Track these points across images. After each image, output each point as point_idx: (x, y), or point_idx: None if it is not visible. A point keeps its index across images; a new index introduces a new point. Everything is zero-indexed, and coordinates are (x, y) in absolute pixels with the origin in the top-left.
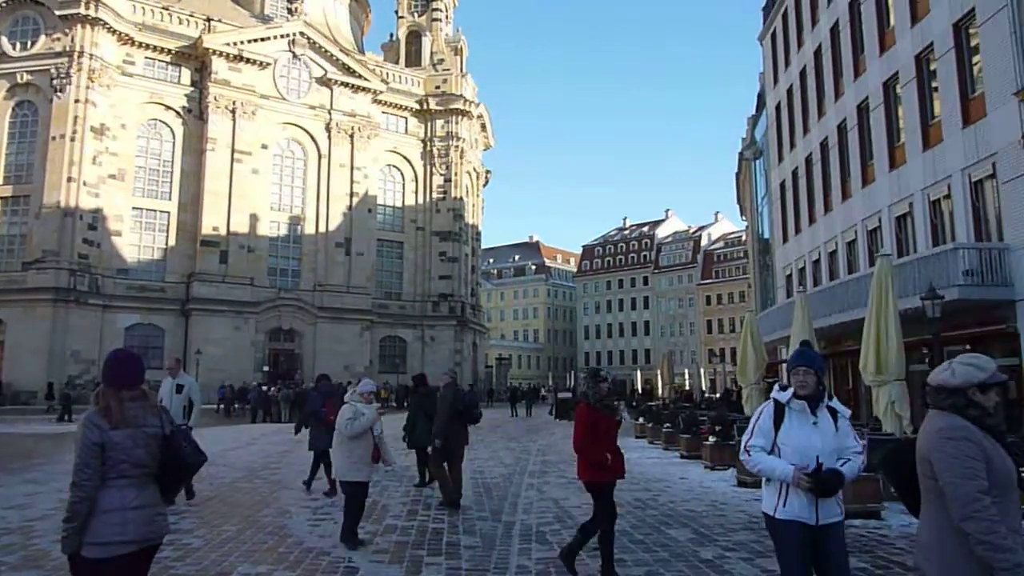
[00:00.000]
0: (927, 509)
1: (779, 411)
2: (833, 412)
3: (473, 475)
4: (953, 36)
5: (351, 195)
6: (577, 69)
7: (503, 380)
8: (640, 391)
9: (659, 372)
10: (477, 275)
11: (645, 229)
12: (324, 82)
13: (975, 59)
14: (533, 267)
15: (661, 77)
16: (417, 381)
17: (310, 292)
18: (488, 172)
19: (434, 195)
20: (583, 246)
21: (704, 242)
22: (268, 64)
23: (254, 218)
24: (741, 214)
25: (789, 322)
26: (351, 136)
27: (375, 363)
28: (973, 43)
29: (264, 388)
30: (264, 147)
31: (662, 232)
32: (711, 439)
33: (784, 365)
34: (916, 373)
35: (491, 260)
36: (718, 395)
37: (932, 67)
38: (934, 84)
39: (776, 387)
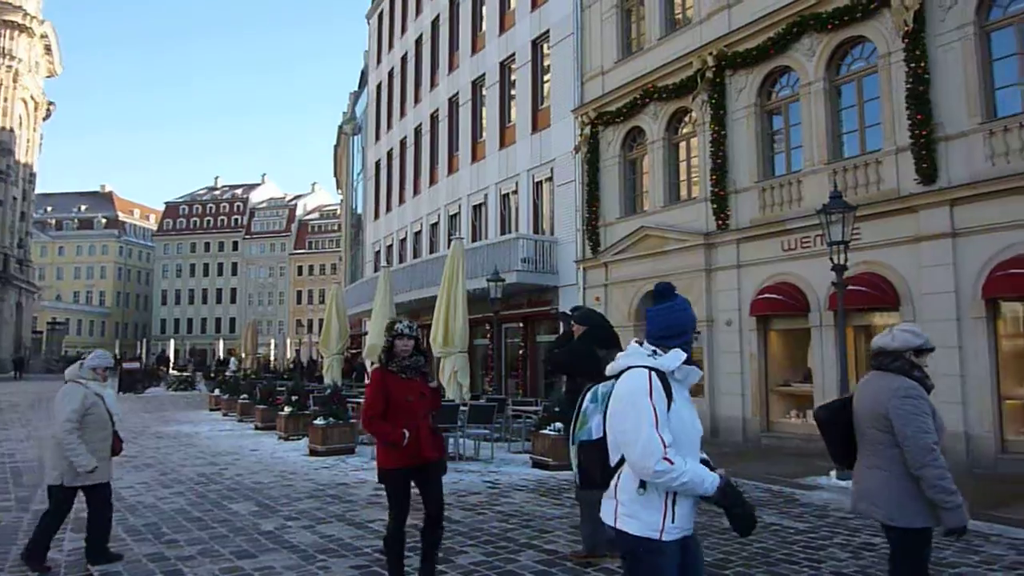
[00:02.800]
0: (875, 459)
1: (666, 387)
2: None
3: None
4: (531, 51)
5: None
6: (173, 18)
7: (56, 348)
8: (220, 361)
9: (243, 342)
10: (28, 224)
11: (239, 192)
12: None
13: (546, 76)
14: (103, 220)
15: (267, 45)
16: None
17: None
18: (51, 104)
19: None
20: (166, 203)
21: (300, 211)
22: None
23: None
24: (338, 187)
25: (373, 296)
26: None
27: None
28: (546, 62)
29: None
30: None
31: (256, 197)
32: (287, 409)
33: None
34: (478, 347)
35: (49, 208)
36: (294, 365)
37: (513, 76)
38: (513, 92)
39: (641, 350)
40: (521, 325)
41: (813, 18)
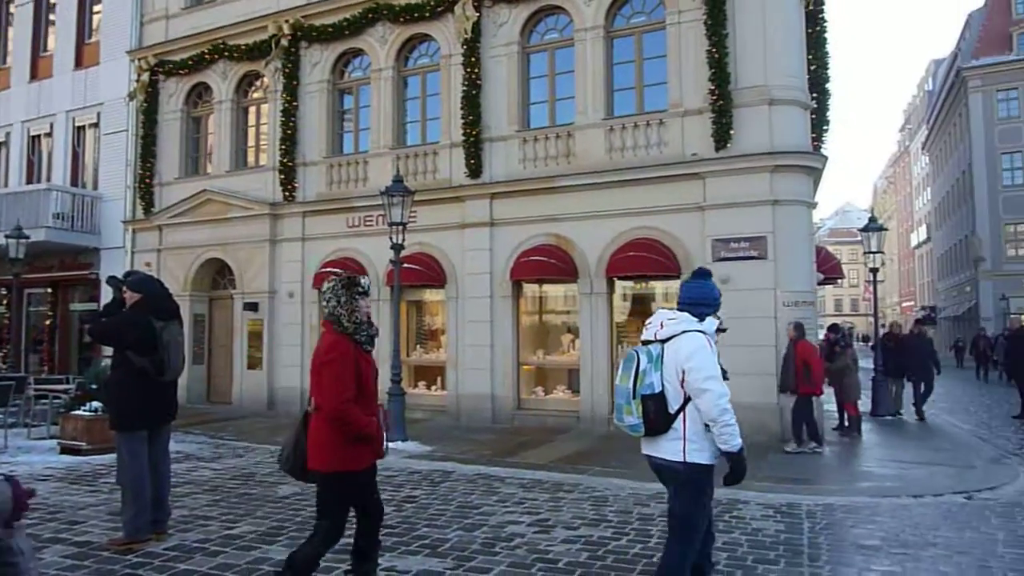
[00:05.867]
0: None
1: None
2: None
3: None
4: None
5: None
6: None
7: None
8: None
9: None
10: None
11: None
12: None
13: (97, 7)
14: None
15: None
16: None
17: None
18: None
19: None
20: None
21: None
22: None
23: None
24: None
25: None
26: None
27: None
28: None
29: None
30: None
31: None
32: None
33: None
34: None
35: None
36: None
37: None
38: (52, 16)
39: (691, 318)
40: (50, 291)
41: (387, 8)
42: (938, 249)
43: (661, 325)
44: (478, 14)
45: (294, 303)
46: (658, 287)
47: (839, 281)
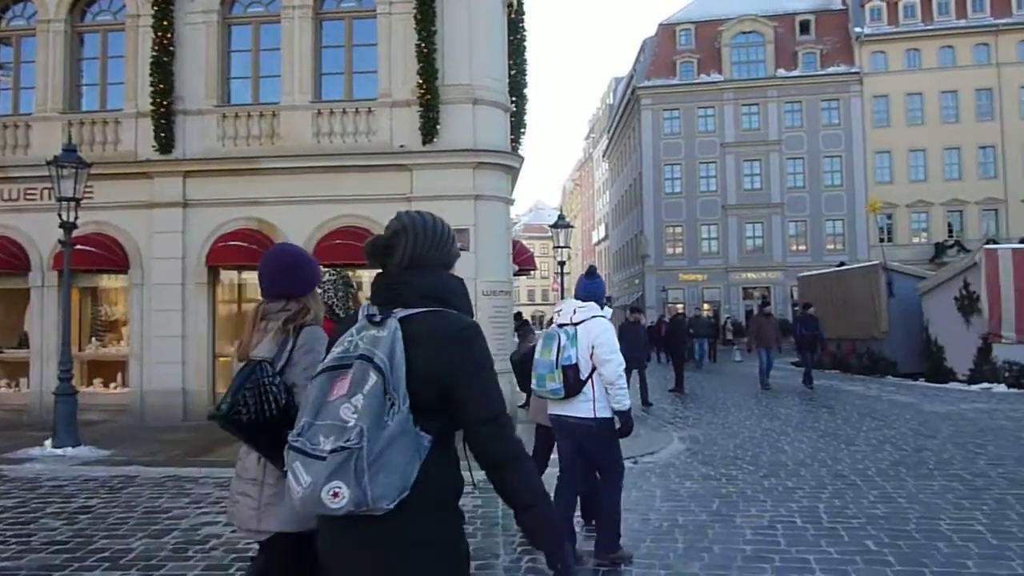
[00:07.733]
0: None
1: None
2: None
3: None
4: None
5: None
6: None
7: None
8: None
9: None
10: None
11: None
12: None
13: None
14: None
15: None
16: None
17: None
18: None
19: None
20: None
21: None
22: None
23: None
24: None
25: None
26: None
27: None
28: None
29: None
30: None
31: None
32: None
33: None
34: None
35: None
36: None
37: None
38: None
39: (595, 306)
40: None
41: None
42: (614, 246)
43: (574, 311)
44: None
45: None
46: (365, 275)
47: (532, 272)
